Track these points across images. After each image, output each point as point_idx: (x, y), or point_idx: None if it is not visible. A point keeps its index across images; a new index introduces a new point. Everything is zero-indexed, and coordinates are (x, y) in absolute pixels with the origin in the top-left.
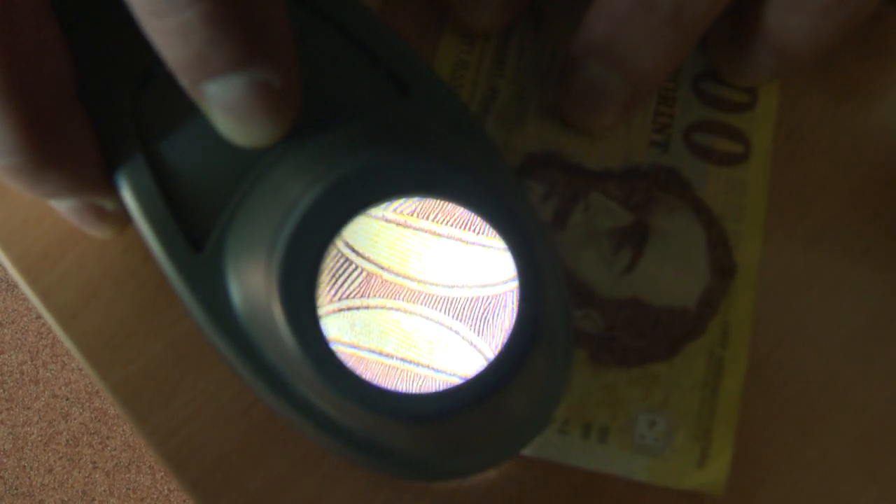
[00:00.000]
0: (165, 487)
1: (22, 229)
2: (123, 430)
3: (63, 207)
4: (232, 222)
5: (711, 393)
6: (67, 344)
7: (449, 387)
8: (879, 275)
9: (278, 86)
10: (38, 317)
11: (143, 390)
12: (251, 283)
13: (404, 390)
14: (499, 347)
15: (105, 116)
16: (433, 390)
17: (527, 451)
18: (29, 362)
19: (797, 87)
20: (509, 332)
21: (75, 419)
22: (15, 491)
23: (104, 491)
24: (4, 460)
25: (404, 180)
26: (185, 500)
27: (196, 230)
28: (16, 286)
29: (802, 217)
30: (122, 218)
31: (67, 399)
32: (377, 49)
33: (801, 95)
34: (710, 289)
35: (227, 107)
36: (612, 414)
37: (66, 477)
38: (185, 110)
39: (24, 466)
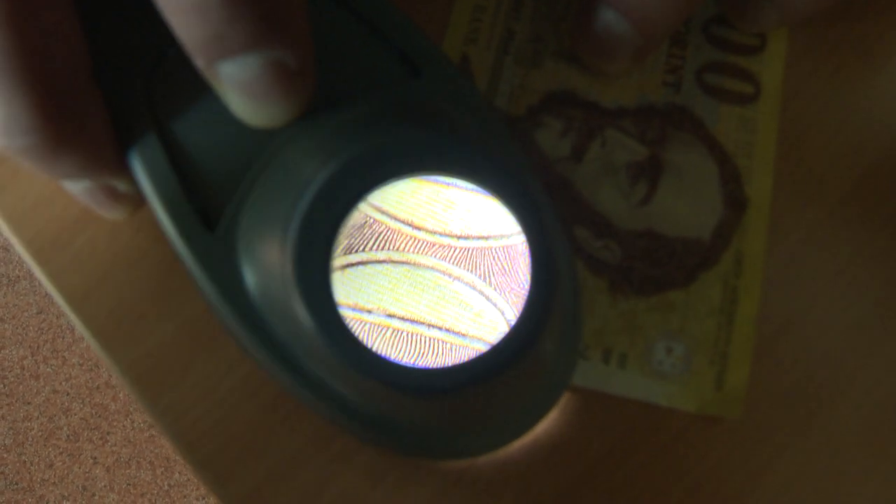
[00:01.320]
0: (165, 483)
1: (33, 212)
2: (124, 426)
3: (76, 189)
4: (245, 201)
5: (727, 319)
6: (78, 326)
7: (459, 362)
8: (885, 261)
9: (293, 66)
10: (39, 312)
11: (154, 371)
12: (265, 262)
13: (417, 365)
14: (516, 308)
15: (119, 98)
16: (445, 364)
17: None
18: (29, 357)
19: (801, 75)
20: (521, 311)
21: (76, 414)
22: (15, 486)
23: (104, 486)
24: (5, 455)
25: (417, 158)
26: (185, 496)
27: (209, 209)
28: (17, 281)
29: (808, 203)
30: (135, 199)
31: (68, 394)
32: (389, 32)
33: (805, 83)
34: (724, 221)
35: (241, 87)
36: (630, 340)
37: (66, 472)
38: (199, 91)
39: (25, 462)
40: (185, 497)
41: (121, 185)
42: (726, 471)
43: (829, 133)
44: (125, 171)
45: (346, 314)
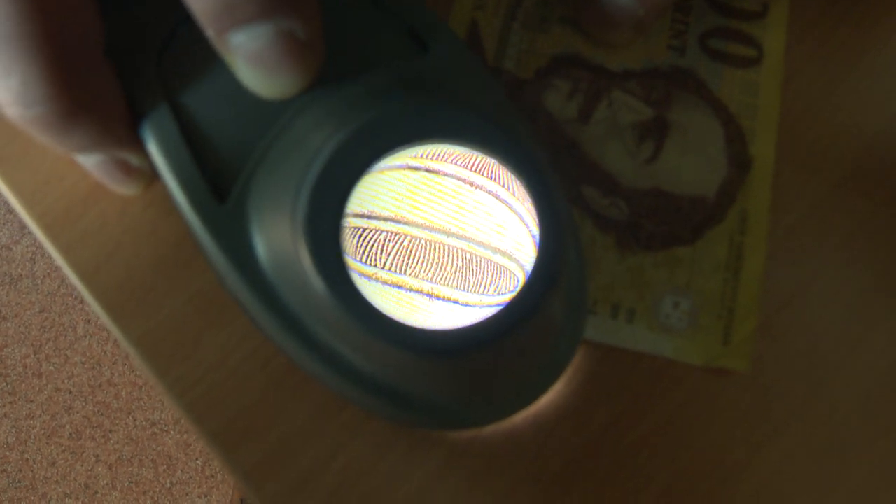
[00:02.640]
0: (168, 481)
1: (44, 188)
2: (126, 424)
3: (89, 163)
4: (256, 172)
5: (734, 275)
6: (89, 300)
7: (470, 323)
8: (887, 235)
9: (303, 36)
10: (42, 310)
11: (163, 344)
12: (276, 231)
13: (427, 326)
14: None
15: (132, 74)
16: (454, 326)
17: None
18: (32, 356)
19: (804, 53)
20: (531, 270)
21: (78, 412)
22: (18, 484)
23: (106, 484)
24: (7, 453)
25: (427, 126)
26: (187, 494)
27: (220, 181)
28: (19, 279)
29: (811, 178)
30: (147, 174)
31: (70, 392)
32: (397, 7)
33: (808, 60)
34: (729, 179)
35: (252, 57)
36: (638, 295)
37: (68, 470)
38: (210, 66)
39: (27, 460)
40: (187, 495)
41: (133, 160)
42: (731, 440)
43: (832, 110)
44: (138, 144)
45: (360, 223)
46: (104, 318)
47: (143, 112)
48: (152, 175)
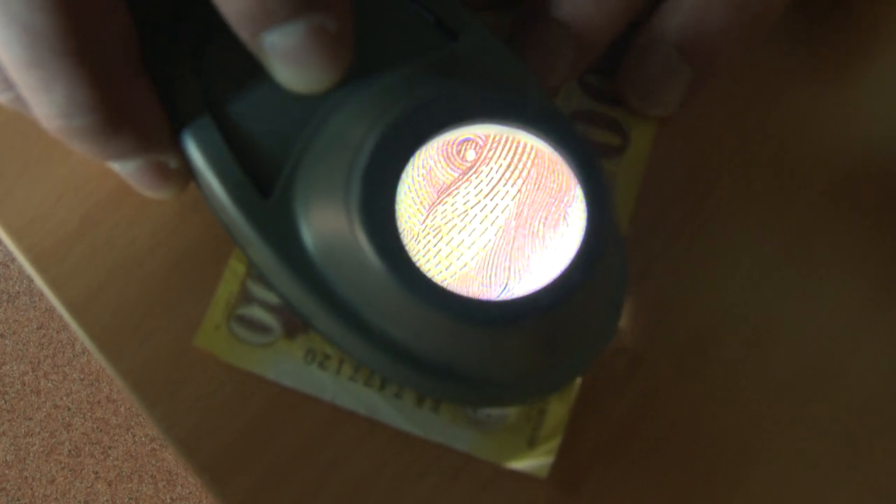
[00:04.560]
0: (168, 497)
1: (30, 227)
2: (125, 440)
3: (126, 170)
4: (299, 166)
5: None
6: (78, 333)
7: (529, 291)
8: (879, 240)
9: (334, 30)
10: (40, 327)
11: (153, 377)
12: (327, 219)
13: (484, 297)
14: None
15: (168, 78)
16: (512, 296)
17: (360, 410)
18: (30, 373)
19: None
20: (583, 235)
21: (77, 429)
22: (17, 502)
23: (106, 501)
24: (6, 471)
25: (471, 107)
26: None
27: (262, 178)
28: (17, 297)
29: (789, 206)
30: (184, 176)
31: (69, 409)
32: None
33: (795, 76)
34: None
35: (286, 55)
36: None
37: (68, 487)
38: (244, 66)
39: (27, 477)
40: None
41: (172, 162)
42: (714, 472)
43: (821, 118)
44: (176, 147)
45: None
46: (94, 352)
47: (181, 116)
48: (188, 177)
